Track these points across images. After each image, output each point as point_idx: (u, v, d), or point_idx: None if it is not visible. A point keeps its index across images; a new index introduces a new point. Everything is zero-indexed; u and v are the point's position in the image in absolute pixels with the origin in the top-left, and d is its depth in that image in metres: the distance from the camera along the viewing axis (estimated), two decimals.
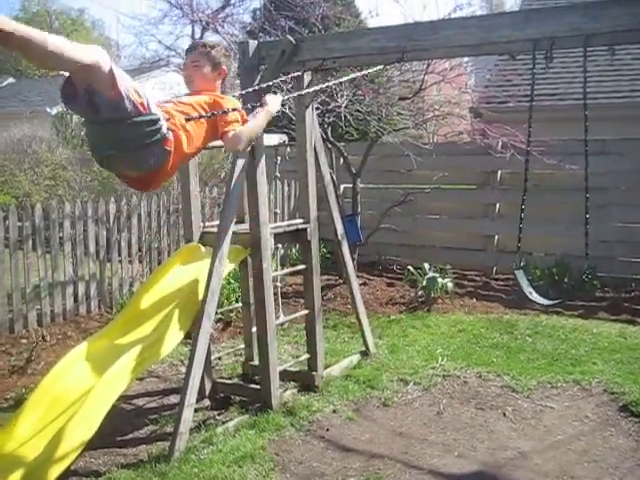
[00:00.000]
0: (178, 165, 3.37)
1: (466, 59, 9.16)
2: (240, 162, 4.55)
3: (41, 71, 29.22)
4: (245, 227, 4.91)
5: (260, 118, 3.65)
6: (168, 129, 3.04)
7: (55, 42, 2.46)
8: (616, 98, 11.11)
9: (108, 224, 7.45)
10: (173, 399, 5.05)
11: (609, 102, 10.84)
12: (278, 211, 8.62)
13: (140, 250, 7.85)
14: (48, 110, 18.18)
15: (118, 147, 2.93)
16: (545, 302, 4.11)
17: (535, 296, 4.05)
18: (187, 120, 3.26)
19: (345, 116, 7.95)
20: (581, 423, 4.60)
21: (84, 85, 2.70)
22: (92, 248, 7.28)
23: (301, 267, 5.39)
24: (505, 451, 4.21)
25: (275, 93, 3.93)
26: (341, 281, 7.91)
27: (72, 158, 11.75)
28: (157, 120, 2.93)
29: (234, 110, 3.53)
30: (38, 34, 2.44)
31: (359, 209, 8.70)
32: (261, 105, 3.71)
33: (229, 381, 5.41)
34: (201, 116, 3.36)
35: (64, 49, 2.50)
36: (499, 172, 8.99)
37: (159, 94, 13.41)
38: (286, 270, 6.23)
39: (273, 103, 3.75)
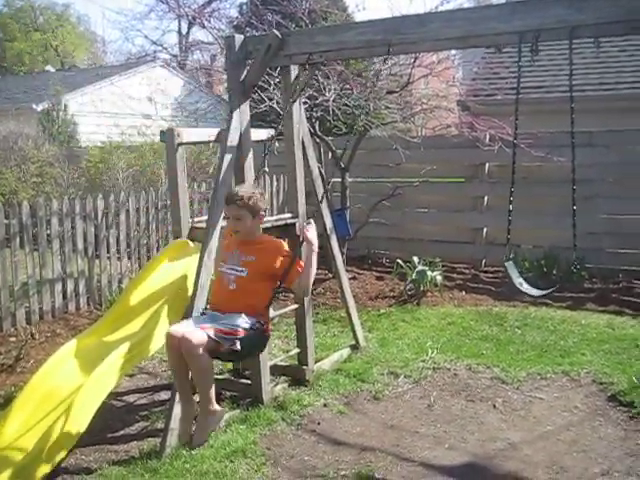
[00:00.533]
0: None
1: (453, 52, 9.16)
2: (228, 157, 4.54)
3: (26, 67, 29.05)
4: None
5: (314, 262, 3.99)
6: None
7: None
8: (602, 90, 11.17)
9: (96, 221, 7.41)
10: (164, 395, 5.04)
11: (595, 94, 10.91)
12: (267, 205, 8.61)
13: (129, 246, 7.82)
14: (34, 107, 18.02)
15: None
16: (536, 292, 4.13)
17: (526, 287, 4.07)
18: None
19: (333, 110, 7.94)
20: (570, 413, 4.64)
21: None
22: (80, 245, 7.24)
23: None
24: (495, 442, 4.23)
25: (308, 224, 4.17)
26: (330, 275, 7.91)
27: (59, 155, 11.71)
28: (250, 328, 3.93)
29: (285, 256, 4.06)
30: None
31: (348, 203, 8.69)
32: (304, 241, 4.07)
33: (220, 376, 5.39)
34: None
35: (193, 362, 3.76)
36: (487, 165, 9.01)
37: (145, 89, 13.37)
38: None
39: (314, 238, 4.02)
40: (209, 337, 3.67)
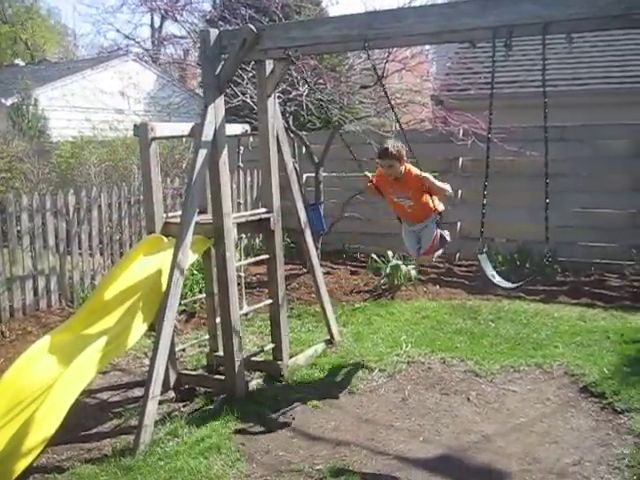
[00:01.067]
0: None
1: (427, 47, 9.17)
2: (202, 152, 4.51)
3: None
4: (208, 217, 4.88)
5: (432, 180, 4.88)
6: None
7: None
8: (575, 85, 11.27)
9: (68, 216, 7.31)
10: (137, 392, 5.00)
11: (568, 89, 11.00)
12: (241, 201, 8.57)
13: (101, 242, 7.73)
14: (3, 101, 17.73)
15: None
16: (508, 285, 4.17)
17: (498, 279, 4.10)
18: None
19: (307, 105, 7.92)
20: (543, 405, 4.69)
21: None
22: (51, 241, 7.14)
23: (265, 257, 5.38)
24: (469, 435, 4.27)
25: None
26: (305, 270, 7.91)
27: (29, 150, 11.52)
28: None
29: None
30: None
31: (322, 198, 8.69)
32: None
33: (194, 372, 5.38)
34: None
35: None
36: (460, 159, 9.05)
37: (117, 84, 13.22)
38: (250, 260, 6.21)
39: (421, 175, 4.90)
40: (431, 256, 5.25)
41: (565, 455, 3.96)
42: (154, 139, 4.86)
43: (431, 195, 4.96)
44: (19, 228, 6.87)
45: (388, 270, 7.67)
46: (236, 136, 5.44)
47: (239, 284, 5.07)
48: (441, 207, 5.05)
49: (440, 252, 5.17)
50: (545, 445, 4.10)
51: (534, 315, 6.72)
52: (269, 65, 4.99)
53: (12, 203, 6.79)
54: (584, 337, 5.97)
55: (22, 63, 25.21)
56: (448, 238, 5.02)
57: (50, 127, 17.33)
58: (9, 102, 17.54)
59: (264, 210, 5.28)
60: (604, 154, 8.29)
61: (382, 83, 5.21)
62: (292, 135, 8.29)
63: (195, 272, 7.00)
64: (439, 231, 4.99)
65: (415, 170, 4.98)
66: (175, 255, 4.36)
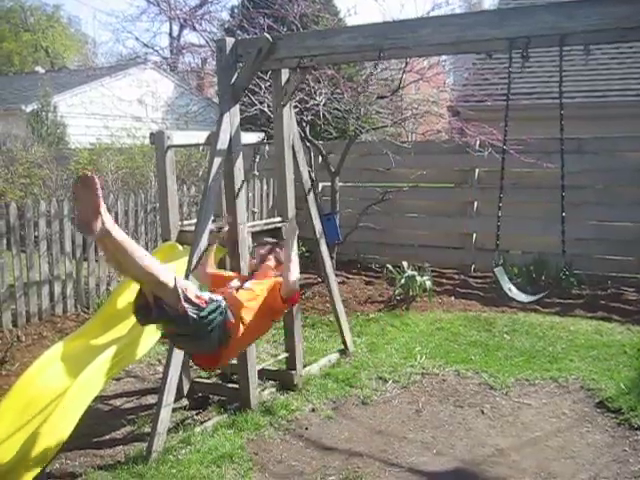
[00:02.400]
0: (246, 336, 3.89)
1: (444, 58, 9.21)
2: (217, 160, 4.52)
3: (15, 68, 28.88)
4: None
5: (295, 261, 4.00)
6: (227, 309, 3.59)
7: (150, 259, 3.15)
8: (592, 97, 11.22)
9: None
10: (151, 399, 5.00)
11: (585, 101, 10.95)
12: (256, 210, 8.59)
13: None
14: (23, 108, 17.92)
15: (191, 337, 3.52)
16: (525, 298, 4.13)
17: (515, 292, 4.07)
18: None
19: (324, 114, 7.93)
20: (558, 420, 4.64)
21: (152, 296, 3.21)
22: (68, 247, 7.19)
23: None
24: (483, 448, 4.23)
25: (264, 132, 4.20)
26: (320, 280, 7.90)
27: (47, 156, 11.62)
28: (218, 306, 3.51)
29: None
30: (138, 247, 3.12)
31: (338, 208, 8.68)
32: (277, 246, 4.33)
33: (207, 381, 5.37)
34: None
35: (153, 267, 3.12)
36: (477, 170, 9.02)
37: (136, 91, 13.33)
38: None
39: (293, 233, 4.16)
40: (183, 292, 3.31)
41: (581, 471, 3.91)
42: (170, 147, 4.88)
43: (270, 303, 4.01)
44: (37, 234, 6.93)
45: (403, 281, 7.64)
46: (252, 145, 5.45)
47: None
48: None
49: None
50: (560, 460, 4.05)
51: (550, 328, 6.66)
52: (285, 74, 5.01)
53: (30, 209, 6.85)
54: (600, 351, 5.91)
55: (42, 70, 25.46)
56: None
57: (69, 134, 17.50)
58: (29, 109, 17.72)
59: (279, 219, 5.28)
60: (621, 166, 8.22)
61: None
62: (308, 144, 8.30)
63: None
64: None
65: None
66: (190, 263, 4.36)
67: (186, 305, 3.24)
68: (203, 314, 3.36)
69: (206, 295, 3.51)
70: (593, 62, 11.28)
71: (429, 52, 5.10)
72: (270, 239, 4.70)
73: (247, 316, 3.77)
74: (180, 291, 3.21)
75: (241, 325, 3.73)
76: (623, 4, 3.56)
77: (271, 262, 4.28)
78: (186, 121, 10.14)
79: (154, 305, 3.21)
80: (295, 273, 3.97)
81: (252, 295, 3.91)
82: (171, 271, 3.32)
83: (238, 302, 3.76)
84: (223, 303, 3.58)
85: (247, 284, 4.06)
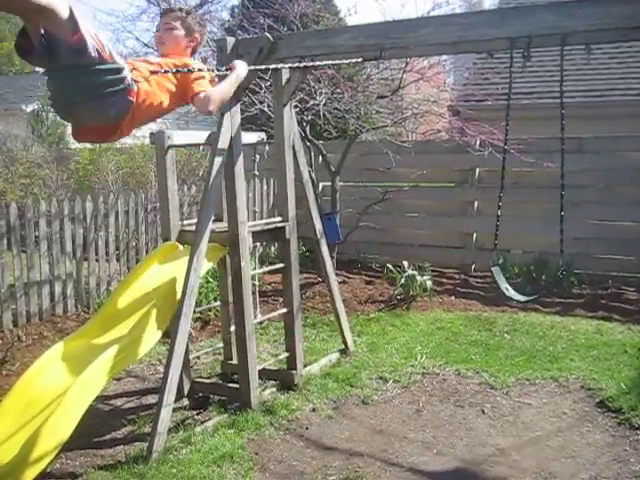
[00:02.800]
0: (140, 120, 3.31)
1: (444, 57, 9.21)
2: (218, 160, 4.52)
3: (16, 68, 28.84)
4: (223, 225, 4.88)
5: (230, 80, 3.55)
6: (132, 80, 2.99)
7: None
8: (592, 97, 11.22)
9: (85, 223, 7.37)
10: (151, 399, 5.00)
11: (586, 101, 10.95)
12: (257, 209, 8.60)
13: (117, 249, 7.77)
14: (23, 107, 17.95)
15: (80, 95, 2.86)
16: (521, 298, 4.14)
17: (511, 292, 4.08)
18: (152, 73, 3.22)
19: (324, 114, 7.93)
20: (559, 419, 4.64)
21: (40, 33, 2.53)
22: (69, 247, 7.19)
23: (280, 266, 5.38)
24: (484, 448, 4.23)
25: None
26: (320, 279, 7.90)
27: (48, 156, 11.63)
28: (121, 69, 2.88)
29: (200, 71, 3.45)
30: None
31: (338, 207, 8.69)
32: (229, 69, 3.62)
33: (208, 380, 5.38)
34: (166, 71, 3.30)
35: None
36: (477, 170, 9.02)
37: None
38: (265, 268, 6.21)
39: (241, 67, 3.65)
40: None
41: (581, 471, 3.91)
42: (170, 147, 4.88)
43: (178, 93, 3.43)
44: (37, 233, 6.93)
45: (403, 280, 7.64)
46: (252, 144, 5.45)
47: (254, 293, 5.07)
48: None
49: None
50: (561, 460, 4.05)
51: (550, 328, 6.66)
52: (285, 74, 5.01)
53: (31, 209, 6.85)
54: (601, 351, 5.91)
55: (42, 70, 25.43)
56: None
57: (69, 134, 17.45)
58: (29, 109, 17.75)
59: (280, 219, 5.28)
60: (621, 166, 8.23)
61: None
62: (309, 144, 8.30)
63: (210, 280, 7.01)
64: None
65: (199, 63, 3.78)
66: (190, 263, 4.36)
67: (86, 37, 2.61)
68: (102, 67, 2.77)
69: (111, 51, 2.83)
70: (594, 62, 11.29)
71: (430, 52, 5.10)
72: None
73: (150, 89, 3.20)
74: (79, 23, 2.55)
75: (142, 98, 3.14)
76: (624, 4, 3.56)
77: (178, 30, 3.64)
78: (186, 121, 10.13)
79: (43, 43, 2.54)
80: (219, 94, 3.48)
81: (158, 67, 3.33)
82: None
83: (142, 73, 3.18)
84: (127, 68, 2.97)
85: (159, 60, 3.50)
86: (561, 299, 7.55)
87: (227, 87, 3.56)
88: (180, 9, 3.72)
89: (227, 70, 3.62)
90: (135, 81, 3.04)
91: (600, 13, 3.62)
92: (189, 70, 3.38)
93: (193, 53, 3.80)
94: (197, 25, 3.72)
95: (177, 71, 3.35)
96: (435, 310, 7.43)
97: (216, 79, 3.63)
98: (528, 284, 7.46)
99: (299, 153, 5.38)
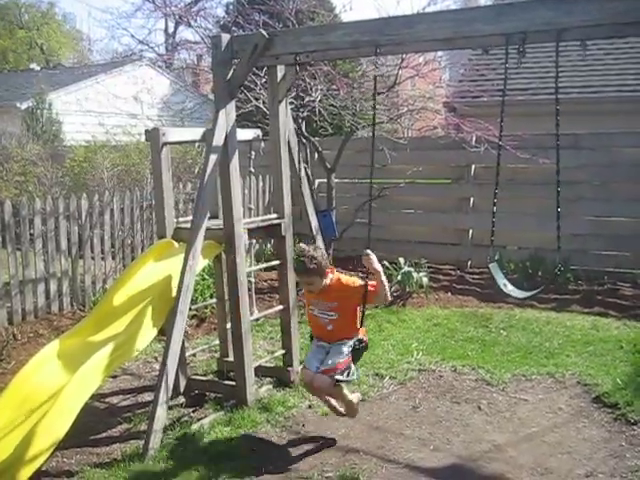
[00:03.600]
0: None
1: (440, 54, 9.16)
2: (213, 157, 4.51)
3: (10, 65, 28.77)
4: (219, 222, 4.87)
5: (383, 280, 4.09)
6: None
7: None
8: (588, 93, 11.23)
9: (80, 220, 7.34)
10: (147, 397, 4.99)
11: (581, 97, 10.96)
12: (252, 206, 8.55)
13: (113, 246, 7.75)
14: (18, 105, 17.87)
15: None
16: (520, 294, 4.13)
17: (510, 288, 4.06)
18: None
19: (319, 111, 7.92)
20: (555, 415, 4.64)
21: None
22: (64, 245, 7.17)
23: (276, 262, 5.37)
24: (480, 444, 4.23)
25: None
26: None
27: (42, 154, 11.59)
28: None
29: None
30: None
31: (334, 204, 8.68)
32: (370, 273, 4.11)
33: (204, 378, 5.37)
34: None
35: None
36: (473, 166, 9.02)
37: (131, 88, 13.29)
38: (261, 265, 6.20)
39: (376, 264, 4.06)
40: (331, 378, 4.01)
41: (577, 466, 3.91)
42: (165, 144, 4.86)
43: (363, 310, 4.17)
44: (32, 231, 6.91)
45: (400, 277, 7.64)
46: (247, 141, 5.44)
47: (250, 290, 5.06)
48: (363, 336, 4.23)
49: (333, 381, 4.01)
50: (557, 455, 4.05)
51: (546, 324, 6.67)
52: (280, 71, 4.99)
53: (25, 206, 6.82)
54: (597, 346, 5.92)
55: (37, 68, 25.39)
56: (354, 377, 4.17)
57: (64, 131, 17.45)
58: (24, 106, 17.68)
59: (275, 216, 5.27)
60: (617, 162, 8.23)
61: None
62: (304, 141, 8.29)
63: (206, 277, 7.00)
64: (350, 359, 4.10)
65: (348, 279, 4.30)
66: (186, 260, 4.35)
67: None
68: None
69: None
70: (589, 57, 11.27)
71: (425, 48, 5.07)
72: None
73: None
74: None
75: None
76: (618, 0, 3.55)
77: (319, 281, 4.18)
78: (182, 118, 10.15)
79: None
80: (386, 291, 4.17)
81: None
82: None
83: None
84: (350, 345, 4.14)
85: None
86: (557, 295, 7.56)
87: (386, 283, 4.13)
88: (308, 268, 4.05)
89: (367, 272, 4.11)
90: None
91: (595, 9, 3.61)
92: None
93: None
94: (323, 259, 4.10)
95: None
96: (431, 306, 7.43)
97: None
98: (524, 280, 7.46)
99: (295, 150, 5.36)
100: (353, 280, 4.27)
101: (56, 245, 7.12)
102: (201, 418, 4.59)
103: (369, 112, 8.50)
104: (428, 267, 8.09)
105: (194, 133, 5.24)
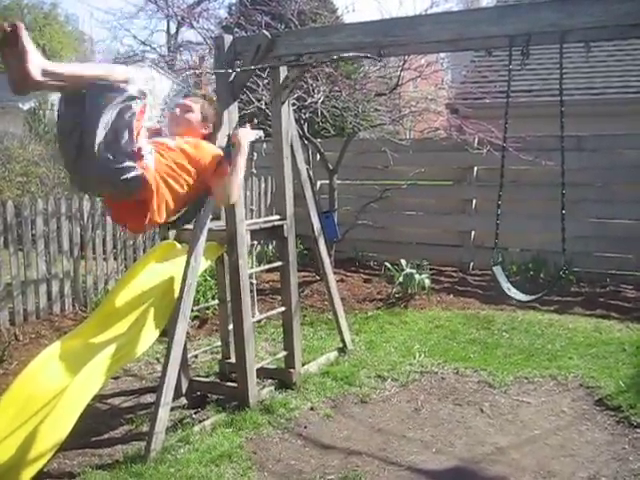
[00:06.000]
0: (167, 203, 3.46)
1: (442, 55, 9.16)
2: None
3: None
4: (221, 224, 4.86)
5: (238, 162, 3.68)
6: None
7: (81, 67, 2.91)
8: (591, 95, 11.22)
9: (82, 221, 7.34)
10: (149, 398, 4.99)
11: (584, 98, 10.95)
12: (254, 207, 8.55)
13: (115, 247, 7.75)
14: (20, 106, 17.91)
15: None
16: (524, 297, 4.12)
17: (513, 292, 4.05)
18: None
19: (322, 112, 7.92)
20: (557, 417, 4.63)
21: None
22: (66, 245, 7.17)
23: (278, 264, 5.36)
24: (482, 446, 4.22)
25: (245, 124, 4.00)
26: (318, 278, 7.88)
27: (45, 154, 11.58)
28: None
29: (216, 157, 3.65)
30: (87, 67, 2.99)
31: (336, 205, 8.68)
32: (233, 145, 3.72)
33: (206, 379, 5.36)
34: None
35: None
36: (475, 168, 9.01)
37: None
38: (263, 267, 6.19)
39: (245, 136, 3.75)
40: None
41: (580, 469, 3.90)
42: None
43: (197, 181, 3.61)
44: (34, 232, 6.91)
45: (401, 279, 7.64)
46: (250, 142, 5.42)
47: (252, 291, 5.05)
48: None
49: None
50: (560, 458, 4.04)
51: (548, 326, 6.66)
52: (283, 72, 4.99)
53: (27, 207, 6.82)
54: (599, 349, 5.91)
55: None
56: None
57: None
58: (26, 107, 17.71)
59: (277, 217, 5.26)
60: (620, 164, 8.22)
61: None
62: (306, 142, 8.29)
63: (208, 278, 7.00)
64: None
65: (205, 147, 3.76)
66: (188, 261, 4.35)
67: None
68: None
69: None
70: (592, 59, 11.27)
71: (429, 49, 5.07)
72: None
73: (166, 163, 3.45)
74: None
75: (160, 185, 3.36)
76: (622, 2, 3.54)
77: (196, 115, 3.79)
78: None
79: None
80: (236, 183, 3.69)
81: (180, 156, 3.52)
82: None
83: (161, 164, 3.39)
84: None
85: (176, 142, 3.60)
86: (559, 297, 7.54)
87: (238, 171, 3.69)
88: (204, 95, 3.85)
89: (231, 144, 3.73)
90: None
91: (599, 10, 3.61)
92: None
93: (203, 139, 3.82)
94: (213, 115, 3.83)
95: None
96: (433, 308, 7.42)
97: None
98: (527, 282, 7.46)
99: (297, 151, 5.36)
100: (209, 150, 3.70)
101: (58, 246, 7.12)
102: (203, 420, 4.59)
103: (371, 113, 8.52)
104: (430, 269, 8.08)
105: None
